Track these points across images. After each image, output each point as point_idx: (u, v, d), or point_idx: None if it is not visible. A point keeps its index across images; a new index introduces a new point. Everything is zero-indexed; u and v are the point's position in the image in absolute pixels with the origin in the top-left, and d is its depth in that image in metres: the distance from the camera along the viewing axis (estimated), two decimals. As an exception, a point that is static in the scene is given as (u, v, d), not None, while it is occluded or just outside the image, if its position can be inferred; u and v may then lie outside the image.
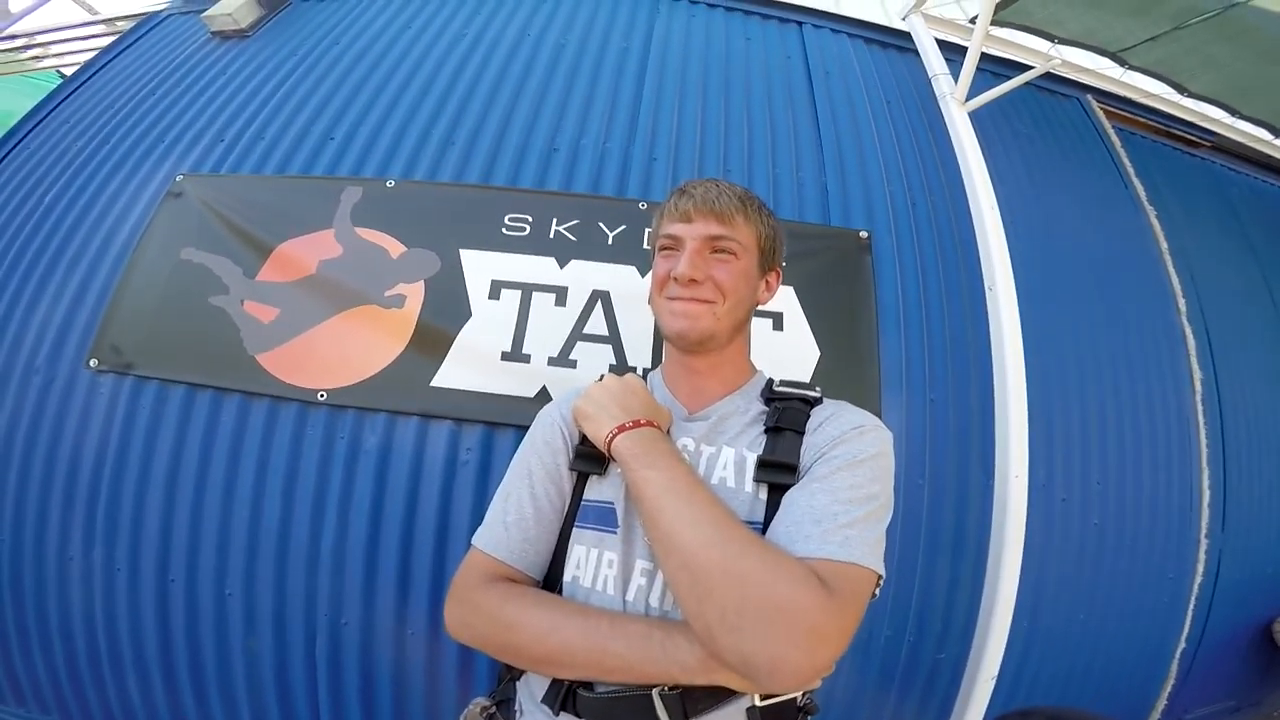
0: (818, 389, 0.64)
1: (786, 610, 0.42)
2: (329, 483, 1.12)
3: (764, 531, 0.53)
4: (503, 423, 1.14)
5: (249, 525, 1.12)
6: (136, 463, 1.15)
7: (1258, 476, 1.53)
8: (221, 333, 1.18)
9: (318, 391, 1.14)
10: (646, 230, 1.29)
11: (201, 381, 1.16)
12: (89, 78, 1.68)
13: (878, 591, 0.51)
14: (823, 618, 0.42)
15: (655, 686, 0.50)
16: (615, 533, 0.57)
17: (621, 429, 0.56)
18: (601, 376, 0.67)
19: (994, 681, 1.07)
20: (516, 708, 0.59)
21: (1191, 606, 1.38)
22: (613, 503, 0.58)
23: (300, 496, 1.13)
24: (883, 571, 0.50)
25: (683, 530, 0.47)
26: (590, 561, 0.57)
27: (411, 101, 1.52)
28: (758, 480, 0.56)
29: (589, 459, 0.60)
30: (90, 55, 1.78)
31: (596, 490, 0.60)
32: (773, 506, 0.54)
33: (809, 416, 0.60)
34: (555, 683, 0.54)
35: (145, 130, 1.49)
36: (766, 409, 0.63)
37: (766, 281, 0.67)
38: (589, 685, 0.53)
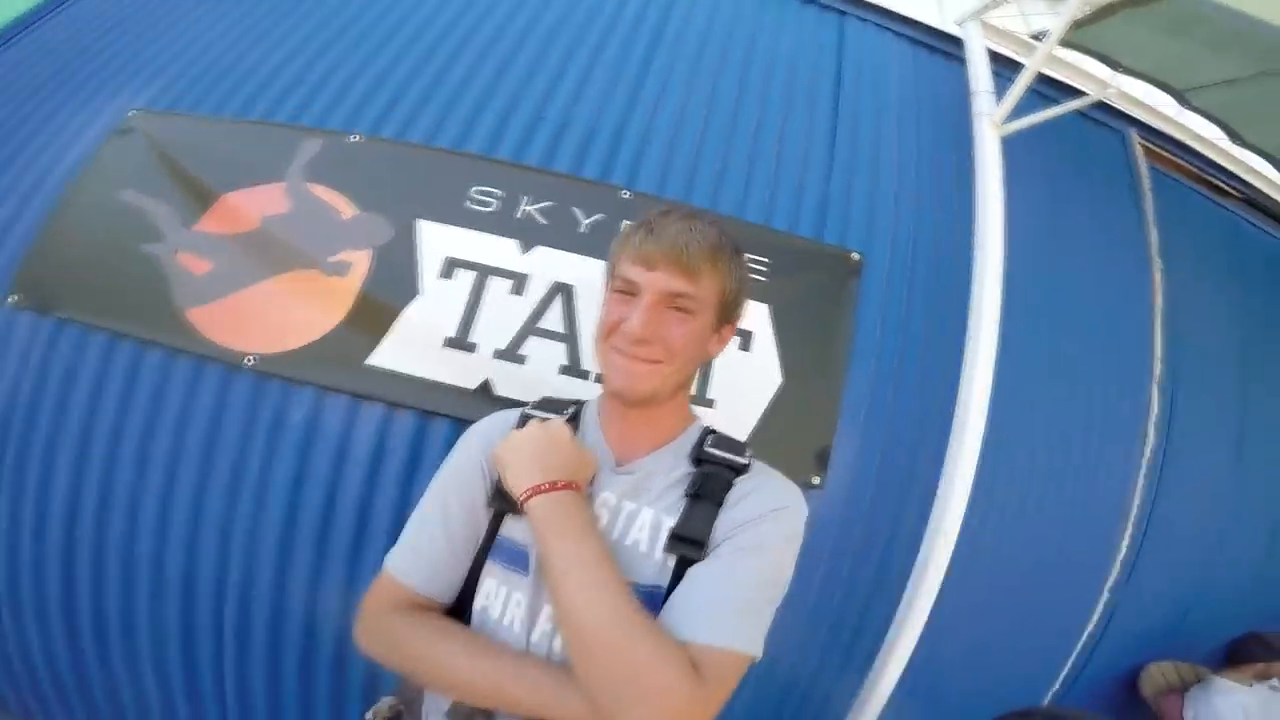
0: (748, 453, 0.64)
1: (656, 695, 0.47)
2: (249, 453, 1.06)
3: (666, 595, 0.56)
4: (438, 413, 1.06)
5: (162, 487, 1.06)
6: (48, 411, 1.08)
7: (1173, 540, 1.45)
8: (151, 282, 1.09)
9: (245, 355, 1.07)
10: (624, 222, 1.18)
11: (124, 330, 1.09)
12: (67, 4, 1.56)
13: (758, 656, 0.55)
14: (686, 705, 0.47)
15: None
16: (526, 577, 0.58)
17: (538, 490, 0.55)
18: (524, 418, 0.66)
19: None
20: (423, 712, 0.61)
21: (1074, 657, 1.35)
22: (526, 547, 0.59)
23: (218, 464, 1.06)
24: (759, 653, 0.53)
25: (580, 606, 0.50)
26: (500, 595, 0.59)
27: (396, 50, 1.39)
28: (668, 550, 0.58)
29: (506, 499, 0.60)
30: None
31: (511, 528, 0.61)
32: (679, 574, 0.56)
33: (732, 487, 0.60)
34: (456, 704, 0.56)
35: (107, 60, 1.37)
36: (693, 470, 0.62)
37: (719, 334, 0.65)
38: (488, 713, 0.55)
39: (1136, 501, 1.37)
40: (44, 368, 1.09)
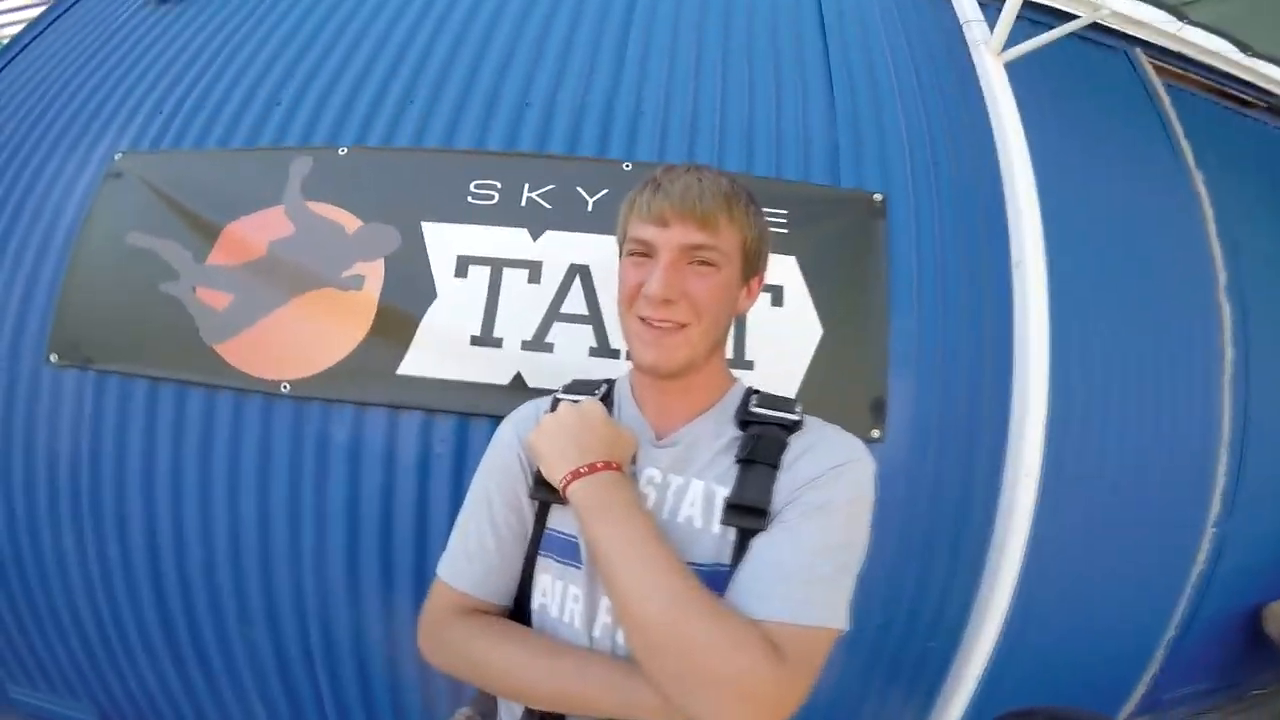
0: (799, 407, 0.59)
1: (731, 680, 0.42)
2: (302, 479, 1.08)
3: (731, 573, 0.51)
4: (475, 413, 1.06)
5: (229, 520, 1.10)
6: (110, 461, 1.12)
7: (1275, 462, 1.40)
8: (177, 322, 1.11)
9: (280, 383, 1.07)
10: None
11: (162, 374, 1.10)
12: (18, 52, 1.55)
13: (842, 628, 0.50)
14: (768, 688, 0.42)
15: None
16: (579, 568, 0.55)
17: (577, 474, 0.52)
18: (555, 402, 0.64)
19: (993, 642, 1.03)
20: None
21: (1187, 596, 1.30)
22: (576, 536, 0.56)
23: (275, 493, 1.09)
24: (845, 626, 0.49)
25: (635, 595, 0.46)
26: (556, 591, 0.56)
27: (366, 55, 1.35)
28: (725, 523, 0.53)
29: (549, 488, 0.56)
30: (18, 28, 1.65)
31: (559, 519, 0.58)
32: (741, 547, 0.52)
33: (786, 446, 0.55)
34: (529, 710, 0.55)
35: (80, 106, 1.37)
36: (741, 434, 0.57)
37: (748, 288, 0.61)
38: (561, 716, 0.53)
39: (1226, 424, 1.29)
40: (97, 419, 1.12)
